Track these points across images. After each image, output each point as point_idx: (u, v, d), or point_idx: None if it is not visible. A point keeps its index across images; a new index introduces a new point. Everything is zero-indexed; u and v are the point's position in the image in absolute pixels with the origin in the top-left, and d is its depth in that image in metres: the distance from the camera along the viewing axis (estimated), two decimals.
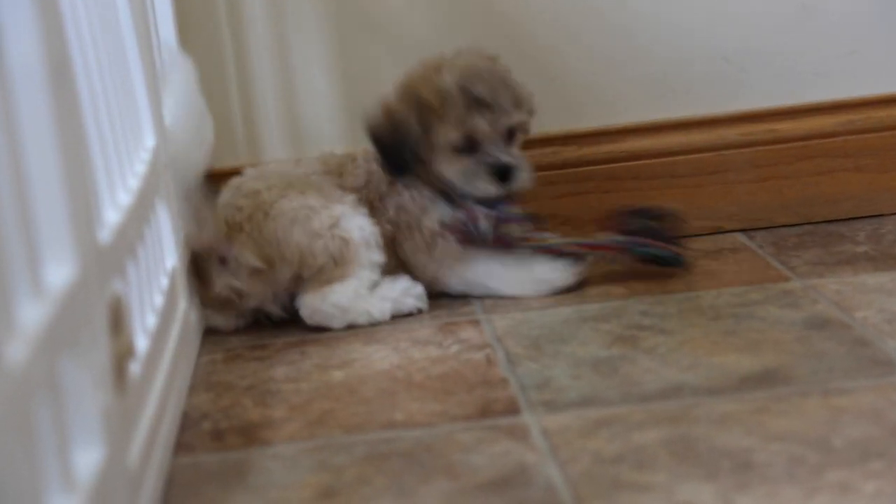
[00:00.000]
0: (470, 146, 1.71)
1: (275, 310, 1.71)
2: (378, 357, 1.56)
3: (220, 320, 1.71)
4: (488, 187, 1.72)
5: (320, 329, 1.67)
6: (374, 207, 1.75)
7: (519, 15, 1.93)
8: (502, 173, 1.71)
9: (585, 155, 1.92)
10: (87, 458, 0.99)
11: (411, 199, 1.75)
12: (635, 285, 1.74)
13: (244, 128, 1.94)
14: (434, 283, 1.75)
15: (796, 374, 1.39)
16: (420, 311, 1.71)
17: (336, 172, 1.78)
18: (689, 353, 1.48)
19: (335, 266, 1.66)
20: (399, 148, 1.72)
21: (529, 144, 1.80)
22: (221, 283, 1.67)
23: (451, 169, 1.72)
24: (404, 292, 1.71)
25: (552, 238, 1.76)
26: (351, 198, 1.72)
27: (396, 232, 1.75)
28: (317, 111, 1.95)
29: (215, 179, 1.78)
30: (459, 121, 1.70)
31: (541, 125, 1.86)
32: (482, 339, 1.60)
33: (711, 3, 1.93)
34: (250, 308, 1.70)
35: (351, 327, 1.67)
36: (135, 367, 1.20)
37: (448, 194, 1.75)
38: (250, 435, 1.36)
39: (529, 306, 1.70)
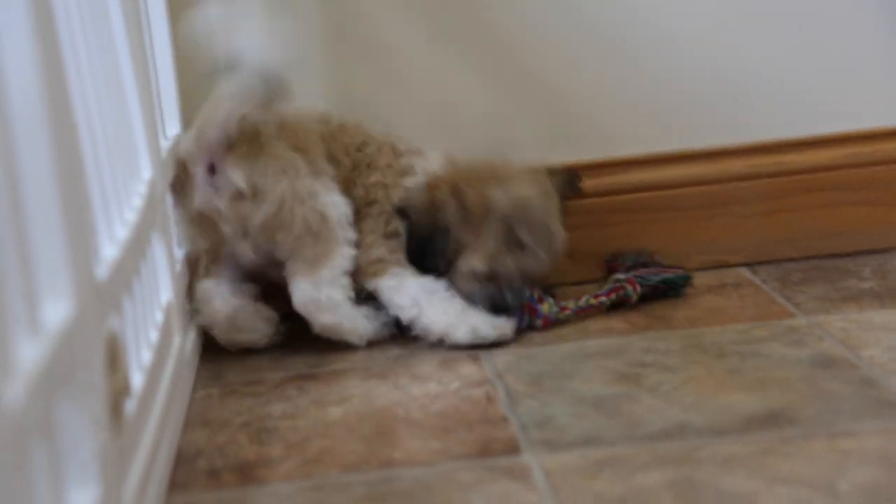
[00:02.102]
0: (488, 276, 1.70)
1: (245, 251, 1.68)
2: (377, 393, 1.54)
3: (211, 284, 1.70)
4: (487, 310, 1.69)
5: (317, 364, 1.65)
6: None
7: (516, 40, 1.91)
8: (500, 309, 1.69)
9: (587, 187, 1.90)
10: (82, 497, 0.98)
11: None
12: (637, 321, 1.73)
13: None
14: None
15: (802, 415, 1.37)
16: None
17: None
18: (692, 391, 1.46)
19: (315, 242, 1.65)
20: (430, 235, 1.70)
21: None
22: (202, 198, 1.66)
23: (460, 281, 1.70)
24: (387, 318, 1.71)
25: (571, 303, 1.74)
26: (325, 179, 1.70)
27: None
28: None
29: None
30: (491, 255, 1.69)
31: (542, 157, 1.85)
32: (482, 375, 1.58)
33: (717, 35, 1.92)
34: (225, 236, 1.67)
35: (329, 334, 1.68)
36: (130, 404, 1.18)
37: None
38: (246, 473, 1.34)
39: (532, 341, 1.68)
